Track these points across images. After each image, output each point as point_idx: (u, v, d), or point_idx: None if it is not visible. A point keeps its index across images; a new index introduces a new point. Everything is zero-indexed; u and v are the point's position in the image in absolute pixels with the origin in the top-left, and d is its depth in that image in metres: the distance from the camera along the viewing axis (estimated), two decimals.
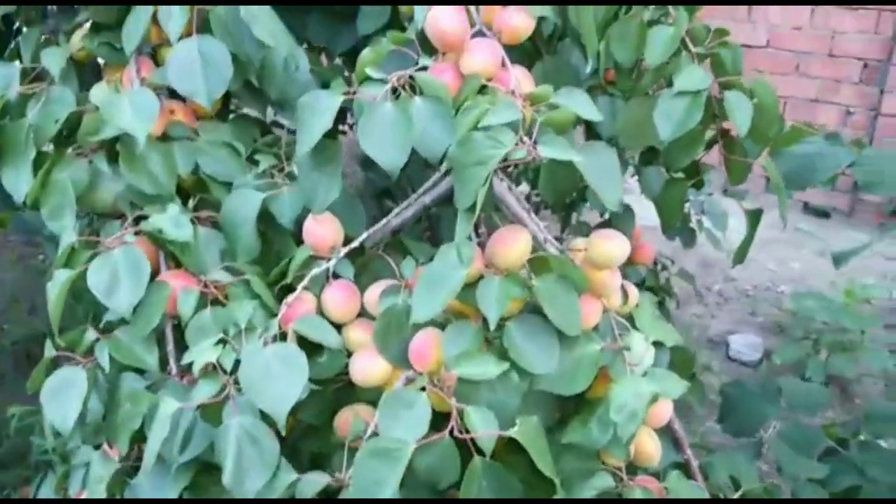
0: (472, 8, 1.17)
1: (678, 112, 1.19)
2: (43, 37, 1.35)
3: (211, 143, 1.25)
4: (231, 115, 1.42)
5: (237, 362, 1.00)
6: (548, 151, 0.94)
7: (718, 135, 1.31)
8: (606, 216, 1.74)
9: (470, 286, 0.99)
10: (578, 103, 1.02)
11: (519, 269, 1.01)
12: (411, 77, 1.06)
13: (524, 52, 1.27)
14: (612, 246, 1.01)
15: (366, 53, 1.10)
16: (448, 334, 0.99)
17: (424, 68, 1.08)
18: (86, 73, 1.34)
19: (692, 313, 3.70)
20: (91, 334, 1.16)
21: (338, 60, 1.71)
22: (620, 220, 1.75)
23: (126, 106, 1.14)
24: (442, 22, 1.08)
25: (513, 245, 1.00)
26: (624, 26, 1.22)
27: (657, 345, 1.06)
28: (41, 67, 1.27)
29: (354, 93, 1.07)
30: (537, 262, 1.01)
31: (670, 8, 1.25)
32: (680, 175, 1.35)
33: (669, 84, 1.22)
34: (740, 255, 1.33)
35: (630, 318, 1.10)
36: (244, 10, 1.15)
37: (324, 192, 1.10)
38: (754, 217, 1.32)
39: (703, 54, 1.25)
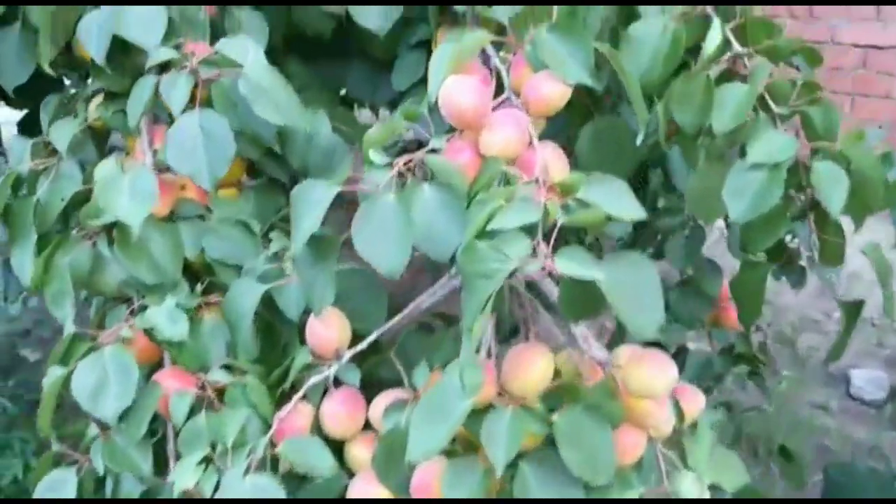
0: (501, 67, 1.01)
1: (753, 188, 0.98)
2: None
3: (223, 221, 1.15)
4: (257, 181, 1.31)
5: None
6: (566, 266, 0.76)
7: (808, 207, 1.09)
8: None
9: (479, 412, 0.83)
10: (615, 198, 0.83)
11: (538, 397, 0.84)
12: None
13: (573, 109, 1.09)
14: (649, 375, 0.82)
15: (371, 133, 0.96)
16: (450, 473, 0.84)
17: (436, 150, 0.93)
18: (104, 142, 1.27)
19: (808, 345, 3.36)
20: (92, 430, 1.09)
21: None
22: (704, 277, 1.53)
23: (125, 189, 1.05)
24: (457, 97, 0.92)
25: (530, 369, 0.84)
26: (686, 85, 1.01)
27: (714, 488, 0.87)
28: None
29: (356, 181, 0.94)
30: (561, 389, 0.83)
31: (746, 60, 1.03)
32: (760, 257, 1.13)
33: (743, 151, 1.01)
34: (836, 353, 1.09)
35: (682, 449, 0.90)
36: (243, 85, 1.03)
37: (321, 290, 0.96)
38: (852, 312, 1.08)
39: (787, 114, 1.03)
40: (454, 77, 0.93)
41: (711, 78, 1.00)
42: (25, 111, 1.56)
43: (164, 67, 1.12)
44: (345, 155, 1.26)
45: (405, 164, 0.92)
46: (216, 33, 1.27)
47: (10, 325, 3.31)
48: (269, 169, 1.24)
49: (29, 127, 1.53)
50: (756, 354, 1.66)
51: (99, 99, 1.24)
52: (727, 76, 1.05)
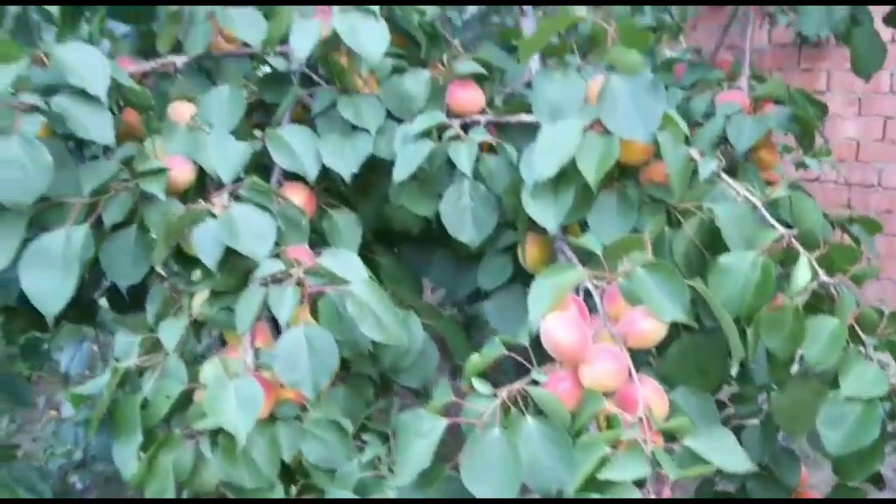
0: (595, 293, 1.06)
1: (849, 421, 1.00)
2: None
3: (317, 422, 1.18)
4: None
5: None
6: None
7: None
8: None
9: None
10: (721, 449, 0.86)
11: None
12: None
13: None
14: None
15: (474, 360, 1.00)
16: None
17: (537, 382, 0.97)
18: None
19: None
20: None
21: None
22: (782, 467, 1.51)
23: (231, 397, 1.10)
24: (558, 334, 0.97)
25: None
26: (776, 314, 1.05)
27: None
28: None
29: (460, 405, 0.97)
30: None
31: (833, 290, 1.07)
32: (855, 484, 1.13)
33: (835, 382, 1.03)
34: None
35: None
36: (351, 304, 1.09)
37: None
38: None
39: (878, 345, 1.05)
40: (555, 314, 0.98)
41: (801, 309, 1.04)
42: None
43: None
44: (435, 355, 1.31)
45: (508, 394, 0.96)
46: (315, 233, 1.36)
47: (65, 455, 3.35)
48: (359, 365, 1.29)
49: (117, 302, 1.61)
50: None
51: (204, 295, 1.31)
52: (813, 301, 1.09)
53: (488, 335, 1.53)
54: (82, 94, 1.17)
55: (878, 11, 1.58)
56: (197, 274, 1.30)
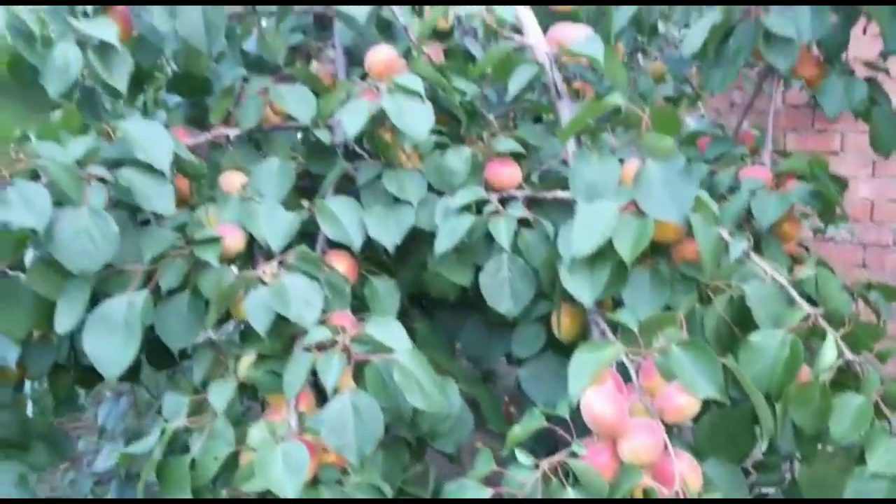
0: (631, 367, 1.11)
1: (876, 497, 1.03)
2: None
3: (359, 486, 1.22)
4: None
5: None
6: None
7: None
8: None
9: None
10: None
11: None
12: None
13: None
14: None
15: (515, 431, 1.05)
16: None
17: (577, 454, 1.02)
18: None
19: None
20: None
21: None
22: None
23: (279, 460, 1.15)
24: (597, 408, 1.02)
25: None
26: (803, 391, 1.09)
27: None
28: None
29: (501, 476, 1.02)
30: None
31: (858, 367, 1.12)
32: None
33: (861, 457, 1.07)
34: None
35: None
36: (398, 374, 1.15)
37: None
38: None
39: None
40: (594, 388, 1.03)
41: (828, 386, 1.09)
42: None
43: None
44: (470, 421, 1.35)
45: (549, 465, 1.01)
46: (356, 298, 1.42)
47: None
48: (397, 428, 1.33)
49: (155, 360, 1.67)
50: None
51: (250, 358, 1.37)
52: (839, 378, 1.14)
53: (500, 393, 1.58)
54: (147, 167, 1.25)
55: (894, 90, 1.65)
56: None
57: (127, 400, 1.94)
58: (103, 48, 1.26)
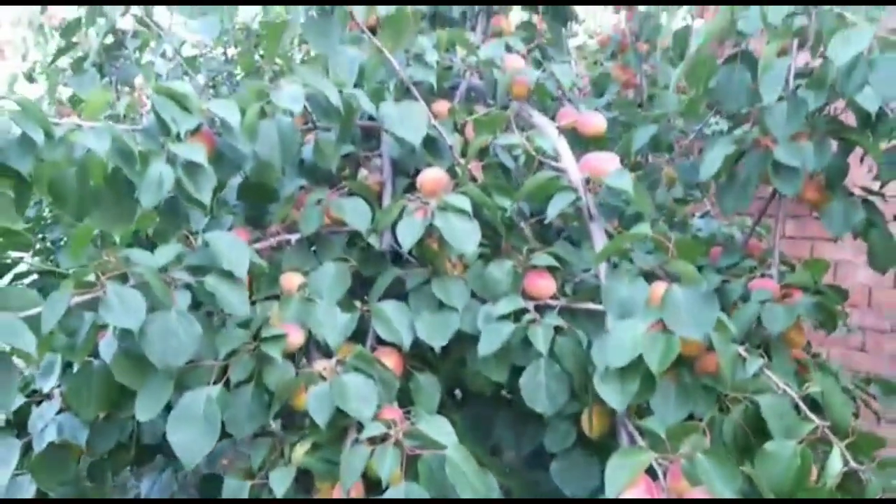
0: (659, 471, 1.24)
1: None
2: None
3: None
4: None
5: None
6: None
7: None
8: None
9: None
10: None
11: None
12: None
13: None
14: None
15: None
16: None
17: None
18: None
19: None
20: None
21: None
22: None
23: None
24: None
25: None
26: (813, 494, 1.23)
27: None
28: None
29: None
30: None
31: (862, 476, 1.25)
32: None
33: None
34: None
35: None
36: (449, 469, 1.28)
37: None
38: None
39: None
40: (630, 490, 1.16)
41: (834, 492, 1.22)
42: None
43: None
44: None
45: None
46: (400, 391, 1.56)
47: None
48: None
49: None
50: None
51: (305, 446, 1.50)
52: (844, 483, 1.27)
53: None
54: (228, 274, 1.41)
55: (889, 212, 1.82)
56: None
57: (170, 473, 2.05)
58: (191, 166, 1.43)
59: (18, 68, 5.37)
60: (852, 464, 1.27)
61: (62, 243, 2.22)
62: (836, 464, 1.23)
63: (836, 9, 1.49)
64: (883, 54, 1.40)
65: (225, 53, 3.47)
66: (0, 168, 1.31)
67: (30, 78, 5.06)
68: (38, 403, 1.71)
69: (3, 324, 1.20)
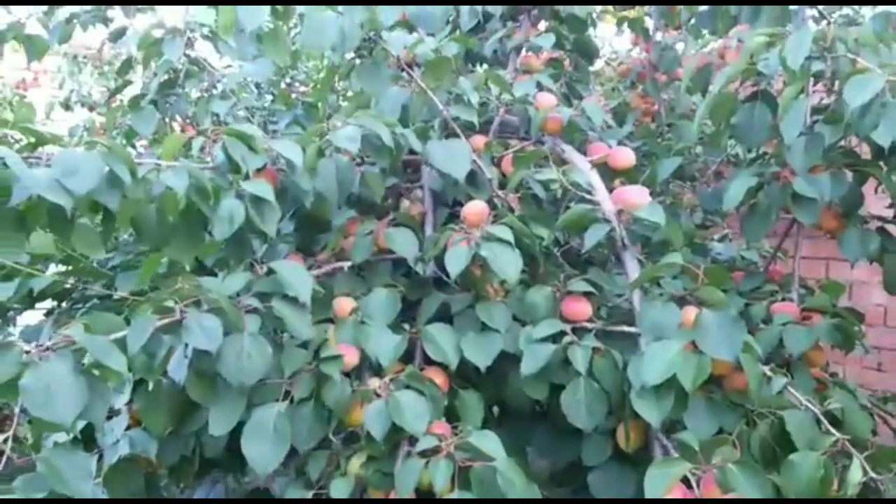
0: (692, 481, 1.35)
1: None
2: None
3: None
4: None
5: None
6: None
7: None
8: None
9: None
10: None
11: None
12: None
13: None
14: None
15: None
16: None
17: None
18: None
19: None
20: None
21: None
22: None
23: None
24: None
25: None
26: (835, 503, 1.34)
27: None
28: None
29: None
30: None
31: (881, 486, 1.36)
32: None
33: None
34: None
35: None
36: (501, 479, 1.39)
37: None
38: None
39: None
40: (668, 497, 1.28)
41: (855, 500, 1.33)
42: None
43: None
44: None
45: None
46: (447, 407, 1.68)
47: None
48: None
49: None
50: None
51: (360, 459, 1.62)
52: (863, 493, 1.38)
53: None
54: (293, 300, 1.54)
55: None
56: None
57: (222, 486, 2.17)
58: (258, 201, 1.57)
59: (53, 96, 5.59)
60: (871, 474, 1.37)
61: (119, 269, 2.36)
62: (856, 474, 1.34)
63: (850, 55, 1.62)
64: (894, 98, 1.52)
65: (258, 86, 3.64)
66: (91, 203, 1.44)
67: (66, 106, 5.28)
68: (107, 419, 1.84)
69: (99, 346, 1.33)
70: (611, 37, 5.70)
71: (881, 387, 4.00)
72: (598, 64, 5.17)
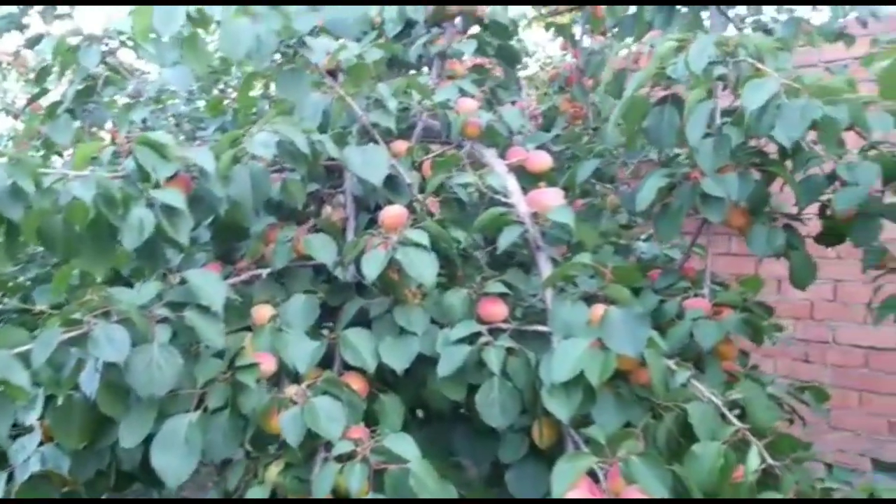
0: (599, 473, 1.39)
1: None
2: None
3: None
4: None
5: None
6: None
7: None
8: None
9: None
10: None
11: None
12: None
13: None
14: None
15: None
16: None
17: None
18: None
19: None
20: None
21: None
22: None
23: None
24: None
25: None
26: (735, 489, 1.38)
27: None
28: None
29: None
30: None
31: (778, 472, 1.42)
32: None
33: None
34: None
35: None
36: (413, 481, 1.41)
37: None
38: None
39: None
40: (574, 490, 1.31)
41: (754, 486, 1.38)
42: None
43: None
44: None
45: None
46: (365, 412, 1.68)
47: None
48: None
49: None
50: None
51: (277, 466, 1.61)
52: (763, 479, 1.43)
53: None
54: (205, 309, 1.53)
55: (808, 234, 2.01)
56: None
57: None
58: (169, 210, 1.56)
59: None
60: (769, 460, 1.43)
61: (35, 282, 2.31)
62: (753, 461, 1.39)
63: (750, 60, 1.68)
64: (788, 100, 1.58)
65: (191, 92, 3.59)
66: None
67: (6, 112, 5.15)
68: (15, 437, 1.79)
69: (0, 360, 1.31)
70: (545, 42, 5.81)
71: (809, 377, 4.14)
72: (534, 68, 5.27)
